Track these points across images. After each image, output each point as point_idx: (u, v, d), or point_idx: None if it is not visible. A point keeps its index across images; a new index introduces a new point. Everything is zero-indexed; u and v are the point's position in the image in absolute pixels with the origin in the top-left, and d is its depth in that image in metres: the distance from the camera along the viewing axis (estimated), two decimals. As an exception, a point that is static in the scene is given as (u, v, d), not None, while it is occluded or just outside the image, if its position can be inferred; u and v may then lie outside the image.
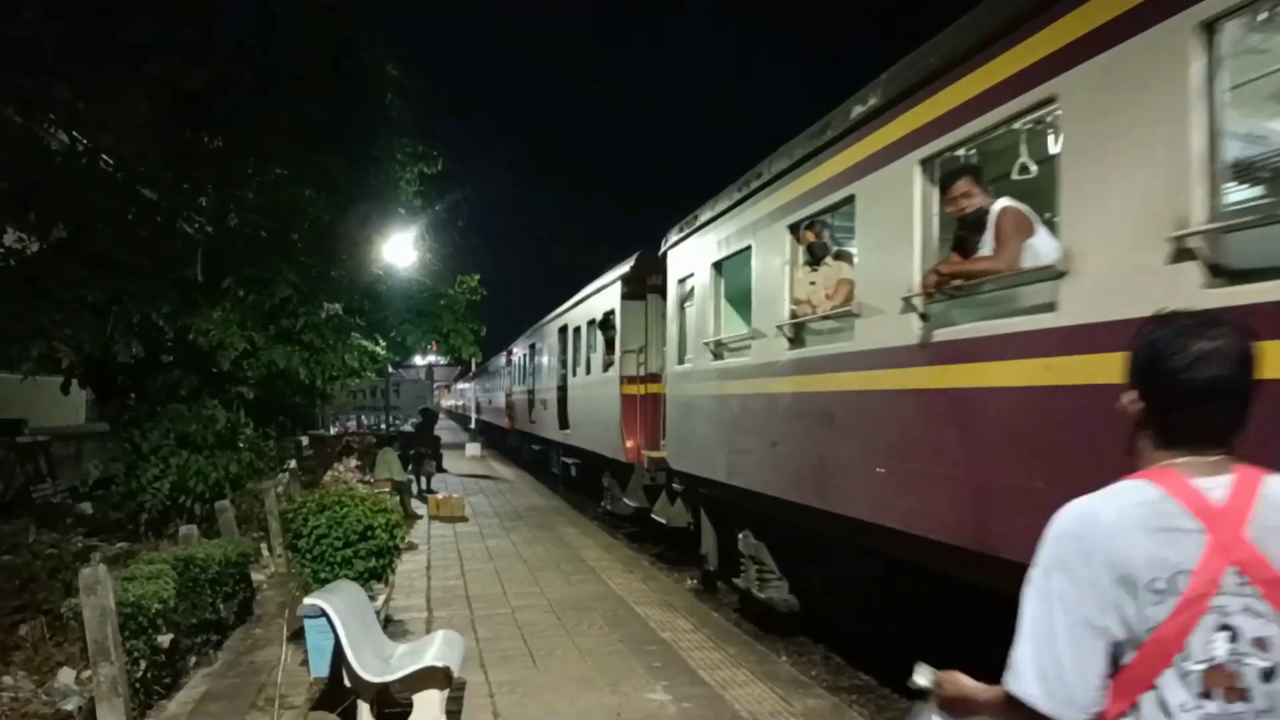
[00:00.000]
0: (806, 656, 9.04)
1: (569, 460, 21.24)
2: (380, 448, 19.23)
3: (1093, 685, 1.80)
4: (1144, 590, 1.78)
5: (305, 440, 24.29)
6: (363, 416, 66.35)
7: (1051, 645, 1.82)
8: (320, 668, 6.55)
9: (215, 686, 7.35)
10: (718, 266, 10.19)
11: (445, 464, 27.32)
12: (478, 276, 20.61)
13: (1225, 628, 1.77)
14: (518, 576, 11.93)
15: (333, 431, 37.14)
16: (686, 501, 12.17)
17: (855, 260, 7.23)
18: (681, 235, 11.53)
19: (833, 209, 7.44)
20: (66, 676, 6.90)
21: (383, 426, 42.79)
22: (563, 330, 21.62)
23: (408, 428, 36.92)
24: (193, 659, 7.75)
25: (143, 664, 6.43)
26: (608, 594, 10.77)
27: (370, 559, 7.97)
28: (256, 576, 10.75)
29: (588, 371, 18.37)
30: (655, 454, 13.76)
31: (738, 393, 9.21)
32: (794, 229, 8.04)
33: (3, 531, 9.97)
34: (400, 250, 17.16)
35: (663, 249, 12.53)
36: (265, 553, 12.11)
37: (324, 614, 6.03)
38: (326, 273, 14.25)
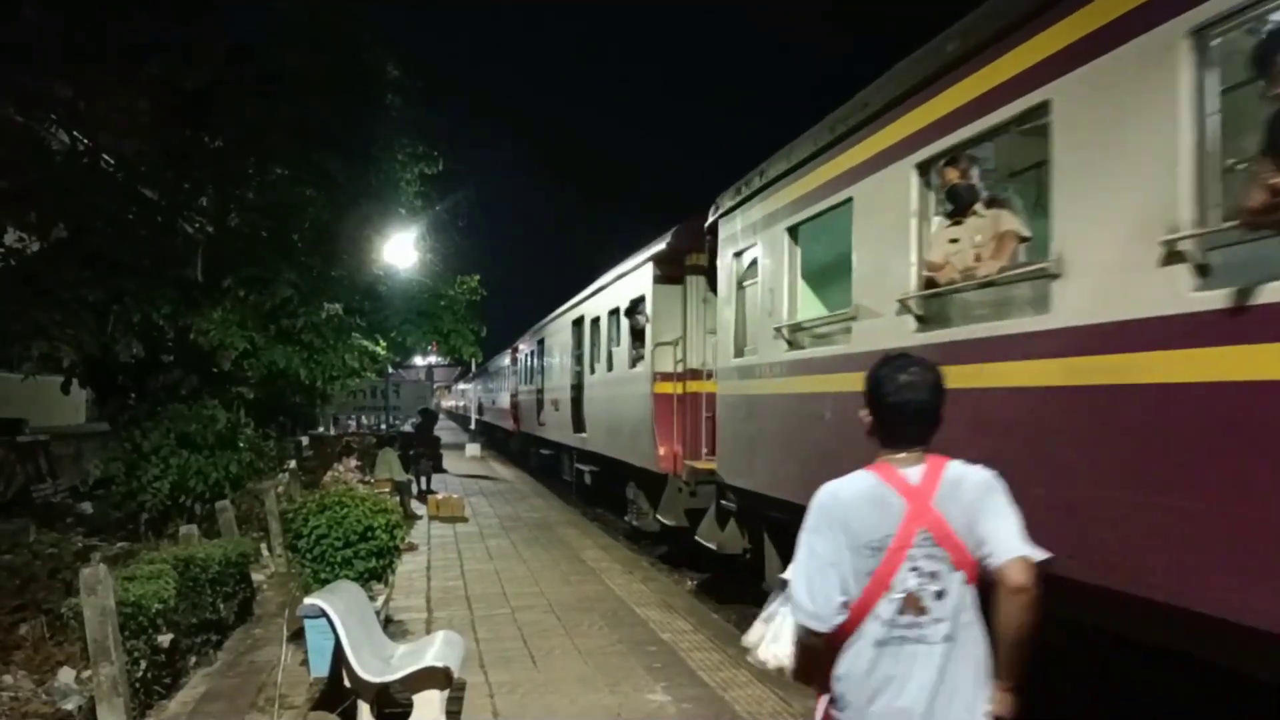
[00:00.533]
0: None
1: (584, 467, 19.30)
2: (380, 448, 19.24)
3: (834, 607, 2.77)
4: (864, 548, 2.77)
5: (305, 440, 24.31)
6: (363, 417, 66.31)
7: (809, 581, 2.80)
8: (320, 668, 6.55)
9: (215, 686, 7.35)
10: (793, 232, 8.12)
11: (445, 464, 27.39)
12: (478, 277, 20.59)
13: (915, 569, 2.75)
14: (517, 577, 11.93)
15: (332, 432, 37.14)
16: (742, 523, 10.13)
17: (1051, 196, 4.85)
18: (739, 199, 9.50)
19: (998, 131, 5.34)
20: (67, 676, 6.91)
21: (383, 427, 42.79)
22: (577, 323, 19.84)
23: (407, 428, 36.96)
24: (193, 659, 7.75)
25: (143, 664, 6.43)
26: (607, 595, 10.78)
27: (370, 559, 7.97)
28: (256, 576, 10.76)
29: (609, 368, 16.44)
30: (699, 464, 11.92)
31: (827, 390, 7.19)
32: (924, 169, 5.95)
33: (3, 531, 9.97)
34: (401, 250, 17.15)
35: (711, 219, 10.63)
36: (265, 553, 12.12)
37: (324, 614, 6.03)
38: (327, 273, 14.24)
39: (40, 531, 10.43)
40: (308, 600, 6.34)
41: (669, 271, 13.12)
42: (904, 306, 6.01)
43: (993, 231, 5.63)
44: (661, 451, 12.88)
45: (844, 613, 2.76)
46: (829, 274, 8.11)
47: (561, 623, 9.40)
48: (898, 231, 6.17)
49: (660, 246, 13.18)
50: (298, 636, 7.23)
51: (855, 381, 5.38)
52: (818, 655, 2.84)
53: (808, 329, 8.00)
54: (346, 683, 6.05)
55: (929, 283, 5.89)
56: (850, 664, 2.79)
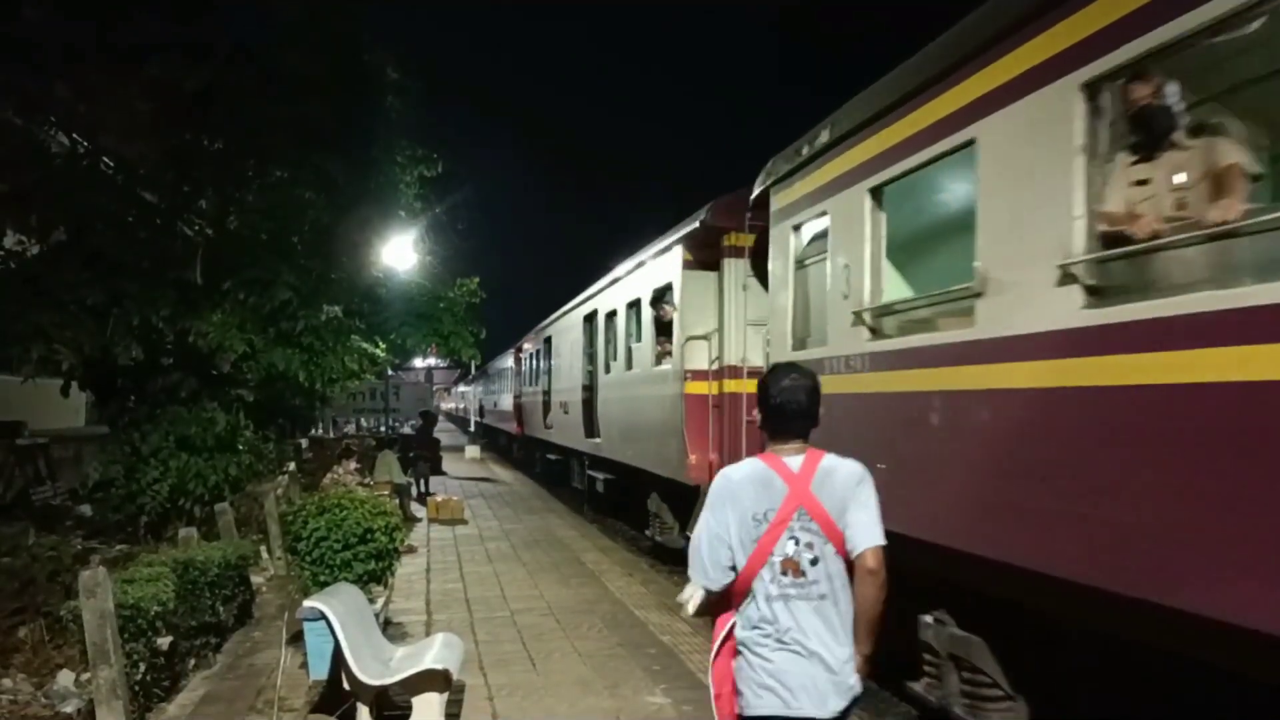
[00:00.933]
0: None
1: (597, 475, 17.63)
2: (380, 450, 19.25)
3: (721, 571, 3.45)
4: (751, 520, 3.40)
5: (305, 443, 24.30)
6: (362, 419, 66.31)
7: (704, 550, 3.48)
8: (319, 670, 6.56)
9: (214, 689, 7.35)
10: (878, 194, 6.51)
11: (444, 466, 27.38)
12: (477, 279, 20.58)
13: (794, 539, 3.37)
14: (517, 579, 11.92)
15: (331, 434, 37.13)
16: None
17: None
18: (801, 161, 7.89)
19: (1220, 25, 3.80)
20: (66, 679, 6.90)
21: (382, 429, 42.79)
22: (589, 319, 18.19)
23: (407, 430, 36.94)
24: (192, 661, 7.75)
25: (142, 666, 6.43)
26: (607, 597, 10.77)
27: (370, 562, 7.97)
28: (256, 579, 10.75)
29: (628, 366, 14.80)
30: None
31: (934, 389, 5.66)
32: (1093, 89, 4.50)
33: (2, 534, 9.97)
34: (400, 253, 17.16)
35: (758, 189, 9.11)
36: (265, 555, 12.11)
37: (323, 617, 6.03)
38: (326, 275, 14.23)
39: (39, 534, 10.43)
40: (307, 603, 6.35)
41: (702, 255, 11.54)
42: (1066, 274, 4.54)
43: (1206, 167, 4.26)
44: (692, 460, 11.30)
45: (730, 575, 3.46)
46: (930, 243, 6.84)
47: (561, 625, 9.40)
48: (1053, 175, 4.73)
49: (692, 226, 11.55)
50: (297, 639, 7.24)
51: (982, 376, 5.16)
52: (712, 603, 3.59)
53: (901, 312, 6.45)
54: (346, 685, 6.04)
55: (1109, 240, 4.46)
56: (754, 614, 3.43)
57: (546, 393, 24.10)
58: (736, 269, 10.83)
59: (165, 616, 6.83)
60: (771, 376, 3.61)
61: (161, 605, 6.75)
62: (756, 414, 3.68)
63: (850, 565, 3.41)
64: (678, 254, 11.95)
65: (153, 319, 11.93)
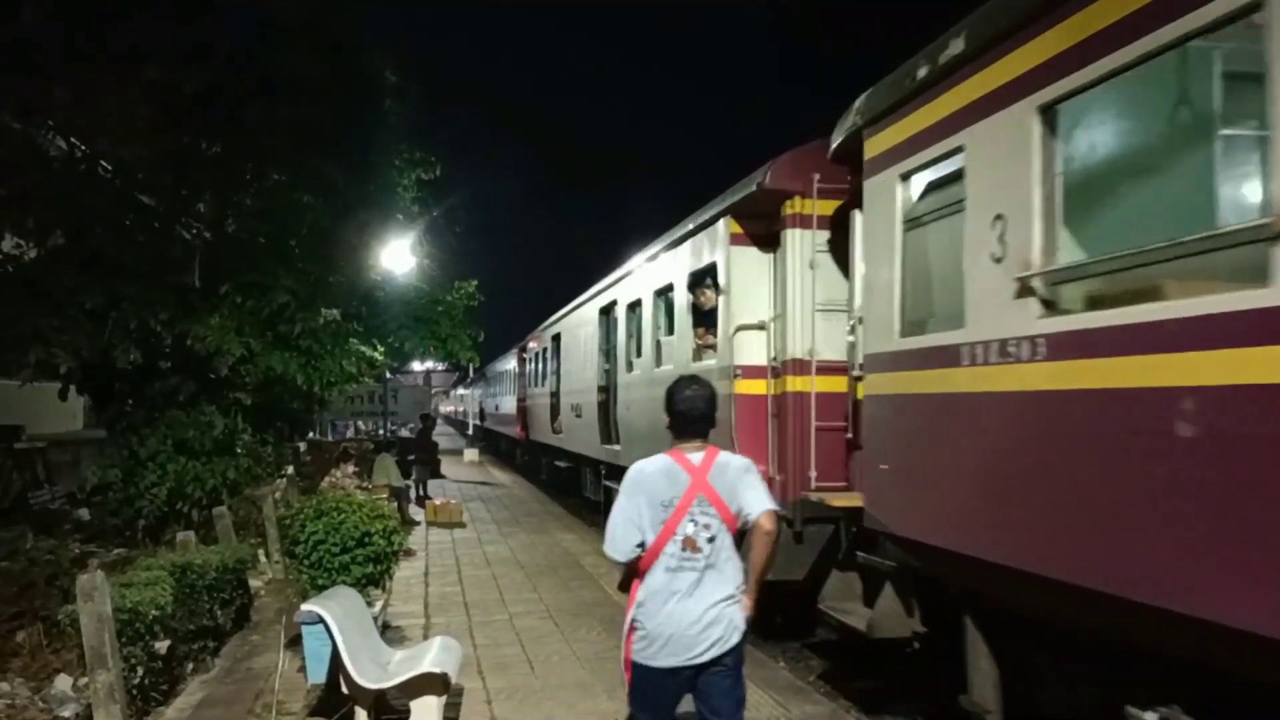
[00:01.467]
0: (804, 662, 9.04)
1: (617, 486, 15.85)
2: (378, 454, 19.24)
3: (630, 548, 4.14)
4: (659, 505, 4.10)
5: (303, 446, 24.30)
6: (360, 422, 66.26)
7: (617, 531, 4.18)
8: (318, 674, 6.54)
9: (213, 693, 7.34)
10: (1050, 114, 4.69)
11: (442, 469, 27.38)
12: (475, 282, 20.61)
13: (693, 521, 4.08)
14: (515, 582, 11.92)
15: (330, 438, 37.12)
16: (908, 594, 6.63)
17: None
18: (916, 86, 6.04)
19: None
20: (64, 683, 6.90)
21: (380, 432, 42.77)
22: (606, 311, 16.38)
23: (405, 433, 36.88)
24: (190, 665, 7.75)
25: (140, 670, 6.43)
26: (605, 600, 10.77)
27: (368, 565, 7.96)
28: (254, 583, 10.74)
29: (657, 363, 12.65)
30: (821, 495, 8.16)
31: (1191, 383, 3.65)
32: None
33: (0, 538, 9.97)
34: (398, 256, 17.18)
35: (843, 135, 7.41)
36: (263, 559, 12.11)
37: (321, 620, 6.03)
38: (324, 278, 14.23)
39: (38, 538, 10.43)
40: (305, 606, 6.34)
41: (756, 227, 9.52)
42: None
43: None
44: None
45: (638, 551, 4.16)
46: (1142, 178, 4.93)
47: (559, 628, 9.40)
48: None
49: (745, 193, 9.26)
50: (295, 643, 7.22)
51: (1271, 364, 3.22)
52: (626, 574, 4.32)
53: (1103, 274, 4.46)
54: (344, 689, 6.04)
55: None
56: (652, 582, 4.15)
57: (555, 394, 22.13)
58: (802, 243, 8.79)
59: (163, 620, 6.83)
60: (676, 387, 4.38)
61: (159, 609, 6.75)
62: (666, 420, 4.41)
63: (739, 538, 4.25)
64: (723, 228, 9.83)
65: (151, 322, 11.92)
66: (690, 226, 11.17)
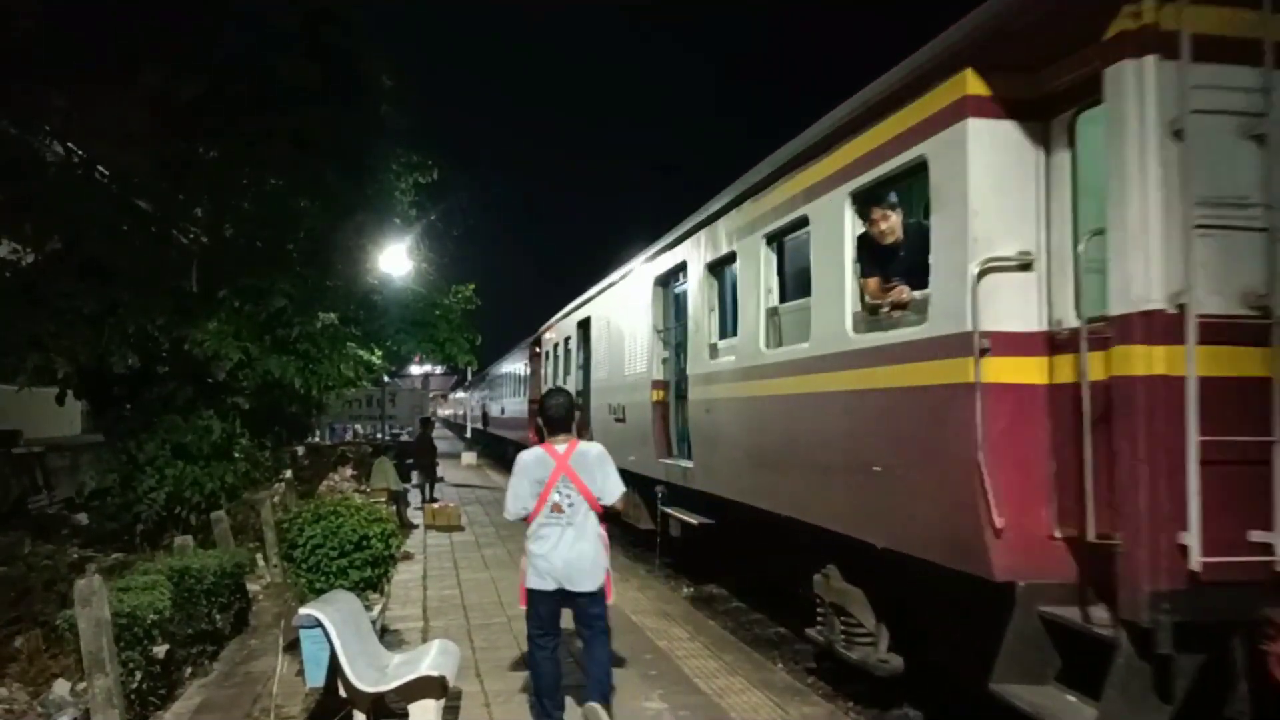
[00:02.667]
0: (802, 664, 9.04)
1: (681, 515, 11.70)
2: (376, 457, 19.24)
3: (519, 512, 6.16)
4: (534, 483, 6.08)
5: (301, 450, 24.28)
6: (358, 426, 66.15)
7: (511, 501, 6.21)
8: (316, 678, 6.54)
9: (211, 697, 7.34)
10: None
11: (440, 472, 27.45)
12: (473, 285, 20.61)
13: (559, 492, 6.04)
14: (514, 585, 11.73)
15: (328, 441, 37.09)
16: None
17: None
18: None
19: None
20: (62, 688, 6.90)
21: (379, 435, 42.75)
22: (667, 281, 12.76)
23: (405, 436, 36.89)
24: (188, 670, 7.75)
25: (138, 675, 6.43)
26: (604, 603, 10.75)
27: (366, 569, 7.97)
28: (252, 587, 10.75)
29: (772, 340, 8.71)
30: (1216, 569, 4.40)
31: None
32: None
33: (-2, 543, 9.97)
34: (396, 260, 17.19)
35: None
36: (261, 563, 12.10)
37: (319, 624, 6.03)
38: (322, 283, 14.25)
39: (36, 543, 10.43)
40: (303, 610, 6.34)
41: (1020, 86, 5.55)
42: None
43: None
44: (1000, 524, 5.25)
45: (525, 512, 6.13)
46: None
47: (558, 631, 9.38)
48: None
49: (1019, 12, 5.27)
50: (293, 647, 7.22)
51: None
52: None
53: None
54: (342, 693, 6.04)
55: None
56: (534, 532, 6.11)
57: (583, 393, 17.65)
58: (1157, 88, 4.58)
59: (161, 625, 6.83)
60: (546, 398, 6.54)
61: (158, 613, 6.76)
62: (538, 421, 6.59)
63: (598, 508, 6.18)
64: (948, 93, 5.71)
65: (148, 327, 11.94)
66: (866, 103, 6.72)
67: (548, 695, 6.26)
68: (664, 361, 12.88)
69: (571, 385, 18.99)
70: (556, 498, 6.00)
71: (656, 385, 12.76)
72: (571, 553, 5.99)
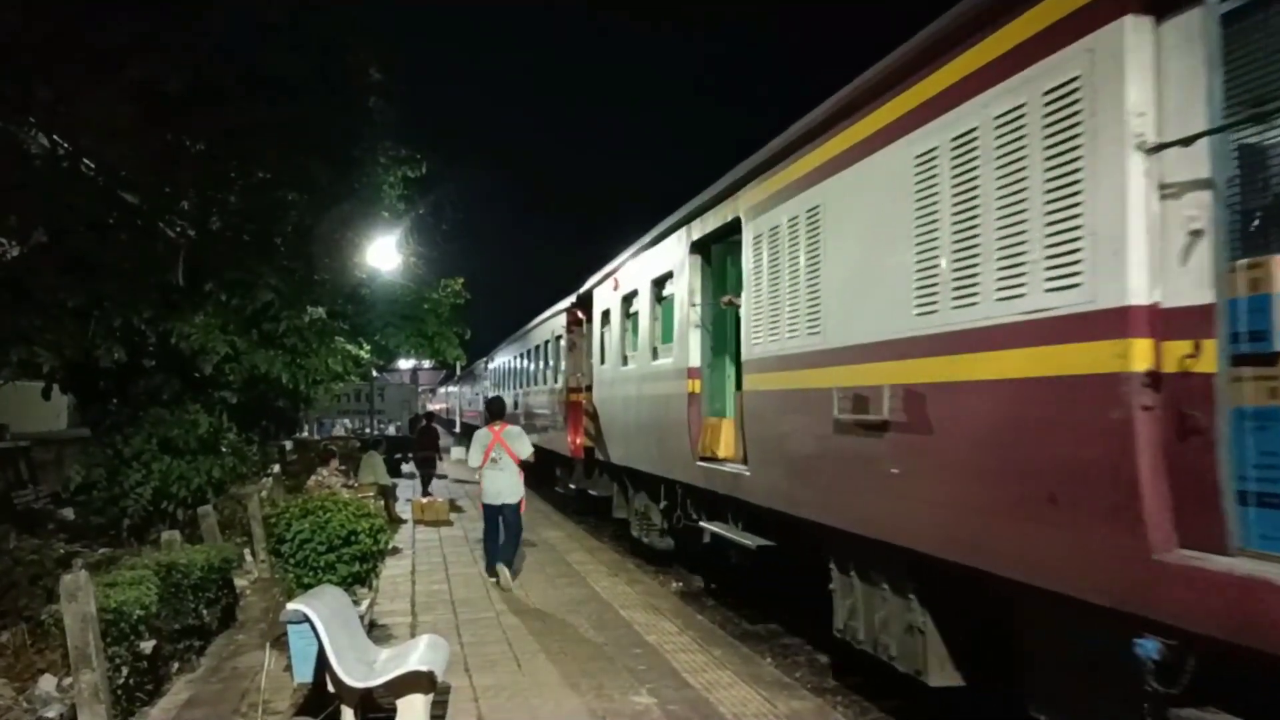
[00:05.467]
0: (790, 658, 9.07)
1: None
2: (365, 452, 19.20)
3: (476, 464, 11.88)
4: (481, 447, 11.80)
5: (289, 445, 24.22)
6: (346, 421, 66.07)
7: (470, 456, 12.15)
8: (304, 673, 6.52)
9: (198, 693, 7.32)
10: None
11: (443, 469, 27.79)
12: (462, 280, 20.55)
13: (495, 453, 11.71)
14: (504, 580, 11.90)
15: (316, 436, 36.99)
16: None
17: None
18: None
19: None
20: (48, 684, 6.86)
21: (367, 430, 42.67)
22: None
23: (391, 431, 36.84)
24: (175, 665, 7.72)
25: (125, 670, 6.41)
26: (593, 597, 10.78)
27: (354, 564, 7.95)
28: (239, 582, 10.72)
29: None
30: None
31: None
32: None
33: (-17, 538, 9.91)
34: (384, 254, 17.12)
35: None
36: (248, 558, 12.07)
37: (307, 619, 6.02)
38: (309, 276, 14.20)
39: (21, 538, 10.37)
40: (290, 605, 6.32)
41: None
42: None
43: None
44: None
45: (478, 463, 11.64)
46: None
47: (547, 626, 9.40)
48: None
49: None
50: (281, 642, 7.21)
51: None
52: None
53: None
54: (330, 688, 6.03)
55: None
56: (485, 474, 11.69)
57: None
58: None
59: (148, 620, 6.81)
60: (491, 401, 13.36)
61: (144, 609, 6.73)
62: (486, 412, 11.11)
63: (519, 462, 11.70)
64: None
65: (134, 321, 11.87)
66: None
67: (491, 556, 11.86)
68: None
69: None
70: (494, 455, 11.64)
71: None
72: (499, 484, 11.63)
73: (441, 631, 8.16)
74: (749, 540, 9.05)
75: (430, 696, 6.09)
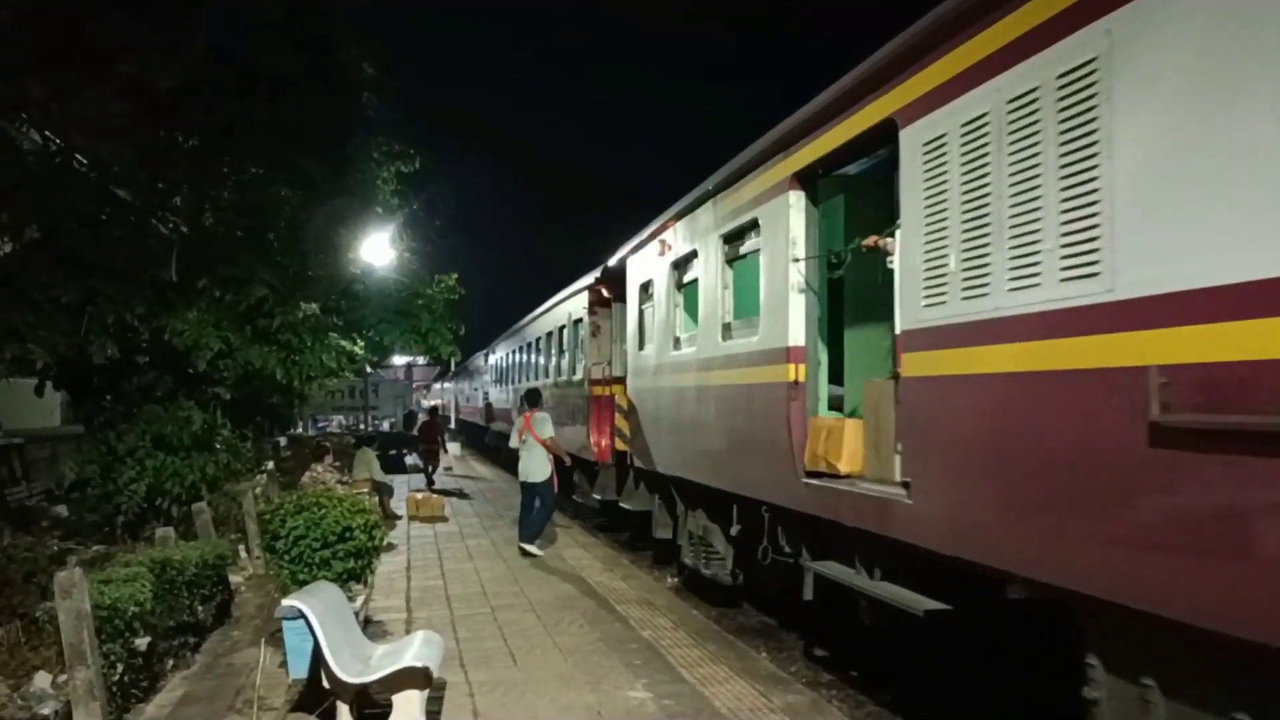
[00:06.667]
0: (786, 653, 9.09)
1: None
2: (359, 448, 19.18)
3: (513, 443, 13.93)
4: (515, 431, 13.87)
5: (283, 441, 24.21)
6: (340, 417, 65.94)
7: (511, 439, 14.33)
8: (299, 669, 6.53)
9: (193, 689, 7.32)
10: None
11: (448, 461, 28.30)
12: (455, 275, 20.54)
13: (524, 435, 13.48)
14: (497, 576, 11.91)
15: (310, 433, 36.94)
16: None
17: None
18: None
19: None
20: (43, 680, 6.85)
21: (361, 426, 42.63)
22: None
23: (385, 427, 36.84)
24: (170, 662, 7.72)
25: (120, 667, 6.40)
26: (588, 592, 10.78)
27: (349, 560, 7.95)
28: (234, 578, 10.71)
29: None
30: None
31: None
32: None
33: (-23, 535, 9.89)
34: (378, 249, 17.11)
35: None
36: (243, 554, 12.06)
37: (302, 615, 6.01)
38: (303, 272, 14.18)
39: (15, 535, 10.35)
40: (285, 602, 6.32)
41: None
42: None
43: None
44: None
45: (516, 444, 13.60)
46: None
47: (542, 621, 9.41)
48: None
49: None
50: (276, 638, 7.21)
51: None
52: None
53: None
54: (325, 684, 6.03)
55: None
56: (521, 454, 13.56)
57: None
58: None
59: (143, 617, 6.80)
60: (526, 394, 14.52)
61: (139, 605, 6.73)
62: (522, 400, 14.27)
63: (542, 443, 13.31)
64: None
65: (128, 317, 11.84)
66: None
67: (520, 527, 13.72)
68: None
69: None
70: (524, 438, 13.33)
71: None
72: (528, 464, 13.33)
73: (437, 627, 8.17)
74: (911, 601, 6.10)
75: (426, 692, 6.09)
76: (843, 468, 7.09)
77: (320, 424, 52.02)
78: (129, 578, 6.98)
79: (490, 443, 35.76)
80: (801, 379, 7.73)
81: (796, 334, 7.75)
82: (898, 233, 6.28)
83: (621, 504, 14.66)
